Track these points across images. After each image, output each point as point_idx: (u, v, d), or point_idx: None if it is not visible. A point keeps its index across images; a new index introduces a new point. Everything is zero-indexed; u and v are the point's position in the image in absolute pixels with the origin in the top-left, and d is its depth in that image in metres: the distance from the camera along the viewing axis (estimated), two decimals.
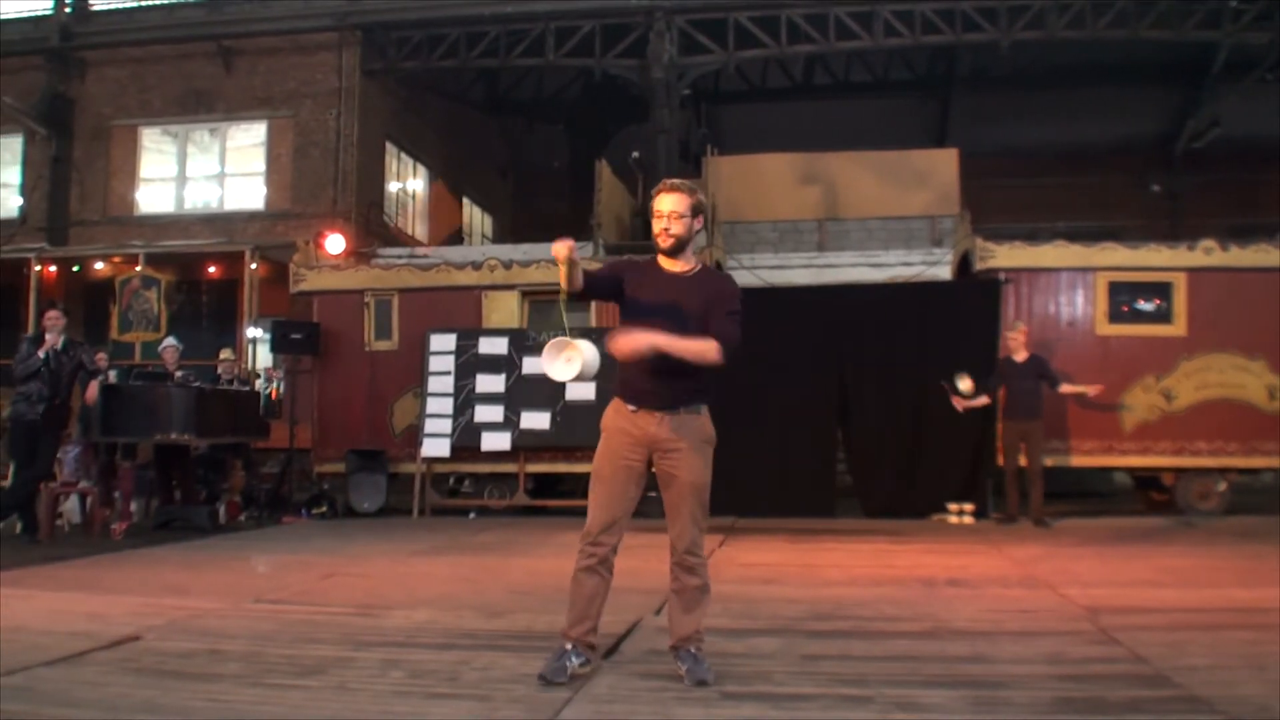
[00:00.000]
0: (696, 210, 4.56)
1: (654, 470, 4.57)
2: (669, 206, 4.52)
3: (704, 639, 4.57)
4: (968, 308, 12.64)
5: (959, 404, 11.64)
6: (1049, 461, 11.87)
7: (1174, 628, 5.44)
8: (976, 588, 7.07)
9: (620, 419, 4.57)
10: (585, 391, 12.18)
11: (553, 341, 4.62)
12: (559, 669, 4.40)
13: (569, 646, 4.47)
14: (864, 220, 19.23)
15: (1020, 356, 11.63)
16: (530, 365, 12.74)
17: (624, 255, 14.22)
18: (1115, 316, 12.52)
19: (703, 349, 4.36)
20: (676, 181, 4.61)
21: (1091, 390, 11.69)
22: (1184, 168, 25.82)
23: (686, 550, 4.50)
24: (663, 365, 4.37)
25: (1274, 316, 12.18)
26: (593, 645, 4.56)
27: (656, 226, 4.57)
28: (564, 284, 4.42)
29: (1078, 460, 12.43)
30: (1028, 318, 12.45)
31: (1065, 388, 11.61)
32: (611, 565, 4.54)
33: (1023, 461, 11.54)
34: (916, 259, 17.03)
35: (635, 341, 4.32)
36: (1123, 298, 12.59)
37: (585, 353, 4.47)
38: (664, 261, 4.61)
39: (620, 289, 4.61)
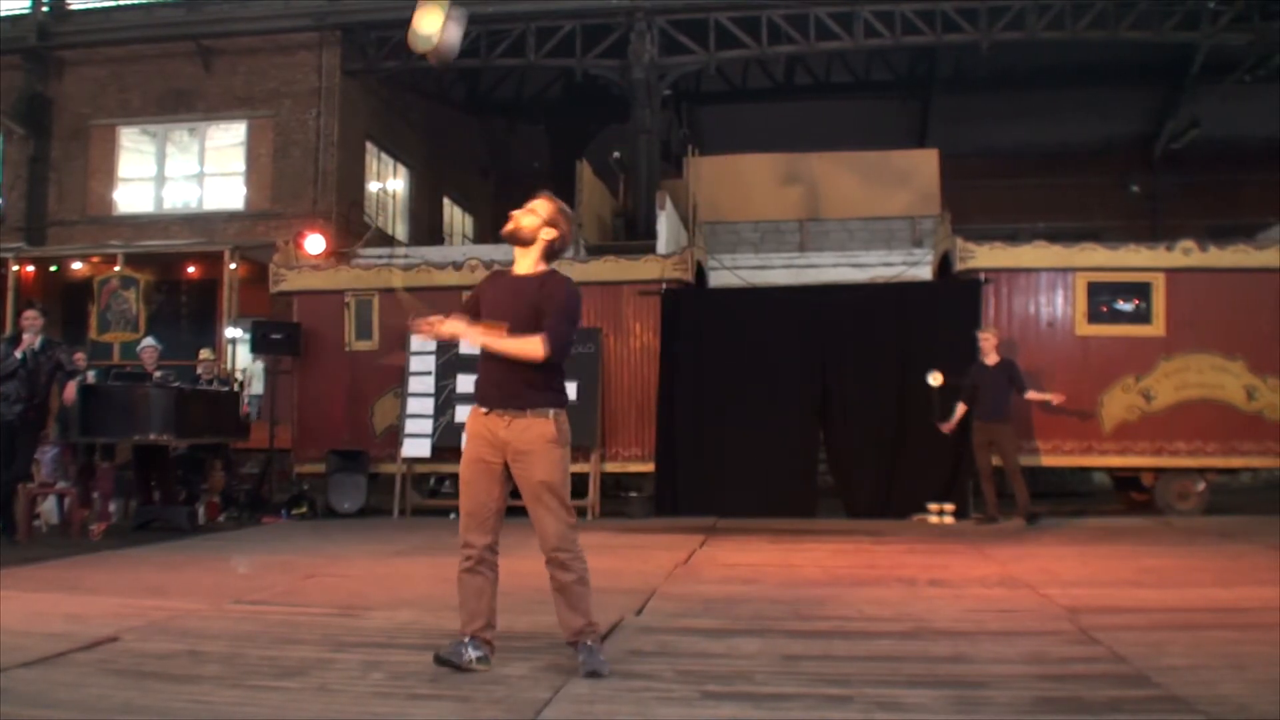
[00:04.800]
0: (553, 222, 4.75)
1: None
2: (532, 203, 4.79)
3: (597, 630, 4.70)
4: (948, 308, 12.69)
5: (946, 428, 11.70)
6: (1026, 461, 11.92)
7: (1154, 627, 5.46)
8: (957, 588, 7.09)
9: (476, 423, 4.74)
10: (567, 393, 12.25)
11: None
12: (456, 651, 4.58)
13: (467, 639, 4.60)
14: (845, 220, 19.30)
15: (991, 360, 11.64)
16: None
17: (603, 255, 14.26)
18: (1095, 317, 12.57)
19: (525, 345, 4.55)
20: (549, 196, 4.85)
21: (1055, 398, 11.71)
22: (1163, 169, 25.96)
23: (555, 548, 4.61)
24: (504, 368, 4.60)
25: (1252, 317, 12.27)
26: (489, 642, 4.66)
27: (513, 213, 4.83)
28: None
29: (1057, 460, 12.48)
30: (1007, 318, 12.51)
31: (1031, 394, 11.60)
32: (492, 564, 4.68)
33: (996, 462, 11.57)
34: (897, 259, 17.06)
35: (464, 330, 4.62)
36: (1102, 298, 12.64)
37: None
38: (515, 266, 4.83)
39: (479, 305, 4.85)
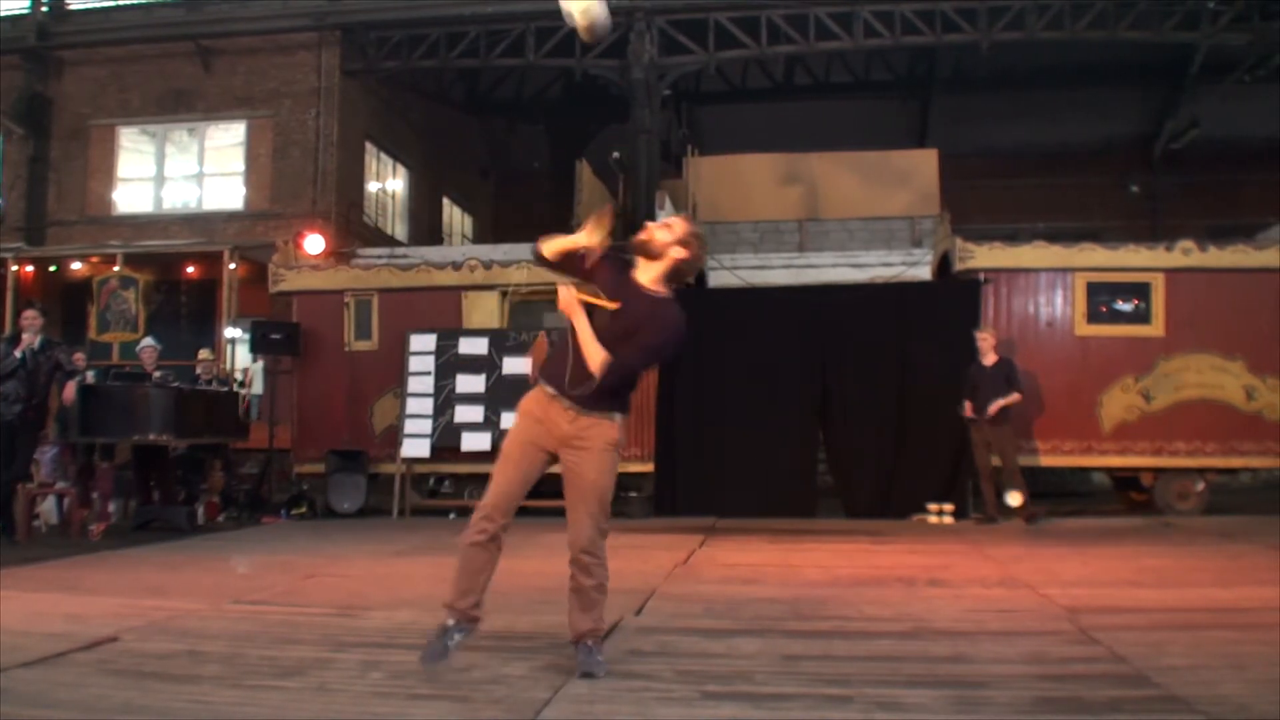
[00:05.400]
0: (685, 243, 4.64)
1: (559, 467, 4.68)
2: (670, 218, 4.72)
3: (602, 634, 4.73)
4: (947, 308, 12.68)
5: (968, 412, 11.65)
6: (1025, 461, 11.92)
7: (1153, 627, 5.45)
8: (957, 588, 7.08)
9: (536, 406, 4.68)
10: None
11: None
12: (439, 651, 4.55)
13: (451, 623, 4.57)
14: (844, 221, 19.27)
15: (989, 360, 11.64)
16: (510, 365, 12.76)
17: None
18: (1094, 317, 12.57)
19: (593, 352, 4.51)
20: (689, 218, 4.81)
21: (1009, 400, 11.63)
22: (1163, 169, 25.95)
23: (583, 549, 4.60)
24: (583, 367, 4.51)
25: (1252, 317, 12.27)
26: (476, 619, 4.65)
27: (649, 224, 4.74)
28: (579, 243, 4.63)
29: (1056, 460, 12.48)
30: (1007, 318, 12.51)
31: (993, 407, 11.48)
32: (501, 543, 4.62)
33: (996, 462, 11.58)
34: (897, 259, 17.05)
35: (569, 301, 4.54)
36: (1101, 298, 12.64)
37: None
38: (638, 270, 4.70)
39: (595, 270, 4.70)
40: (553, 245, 4.63)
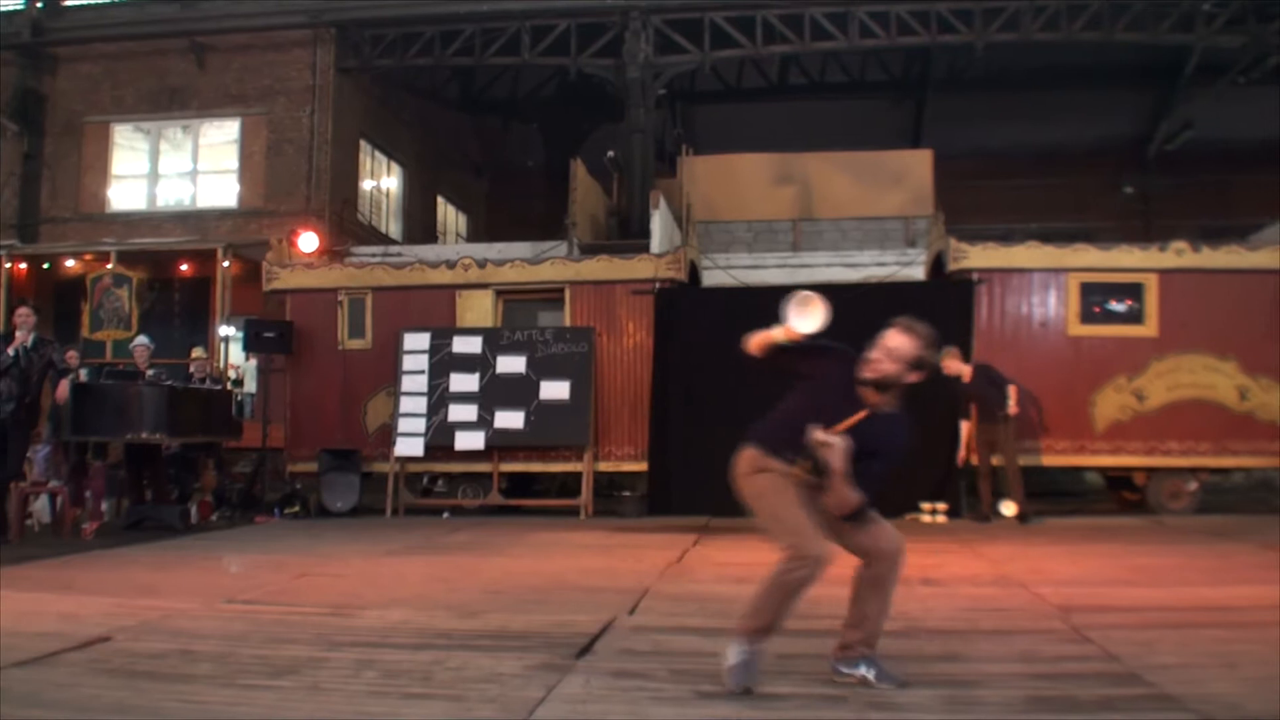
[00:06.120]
0: (918, 364, 4.40)
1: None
2: (891, 344, 4.39)
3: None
4: (941, 308, 12.64)
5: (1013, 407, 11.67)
6: (1026, 461, 11.94)
7: (1145, 626, 5.47)
8: (950, 587, 7.10)
9: (774, 464, 4.54)
10: (559, 392, 12.42)
11: (796, 297, 4.53)
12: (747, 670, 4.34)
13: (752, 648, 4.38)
14: (838, 220, 19.33)
15: (965, 375, 11.62)
16: (504, 364, 12.77)
17: (597, 254, 14.18)
18: (1087, 317, 12.58)
19: (843, 497, 4.33)
20: (915, 325, 4.45)
21: (1014, 393, 11.66)
22: (1157, 170, 25.95)
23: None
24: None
25: (1245, 317, 12.30)
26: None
27: (869, 355, 4.42)
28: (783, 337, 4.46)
29: (1050, 460, 12.50)
30: (1000, 318, 12.52)
31: (1013, 400, 11.52)
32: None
33: (997, 461, 11.61)
34: (890, 259, 17.10)
35: (835, 452, 4.25)
36: (1095, 298, 12.65)
37: (823, 306, 4.55)
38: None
39: (814, 365, 4.56)
40: (754, 342, 4.55)
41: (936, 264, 13.72)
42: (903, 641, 5.25)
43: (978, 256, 12.76)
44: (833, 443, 4.23)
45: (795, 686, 4.38)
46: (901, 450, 4.43)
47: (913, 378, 4.41)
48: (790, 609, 4.42)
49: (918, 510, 11.92)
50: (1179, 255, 12.50)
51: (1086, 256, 12.63)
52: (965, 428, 11.81)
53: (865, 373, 4.38)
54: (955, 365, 11.60)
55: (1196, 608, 6.13)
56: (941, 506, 11.89)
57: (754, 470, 4.59)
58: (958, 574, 7.68)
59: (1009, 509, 11.52)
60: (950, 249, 12.84)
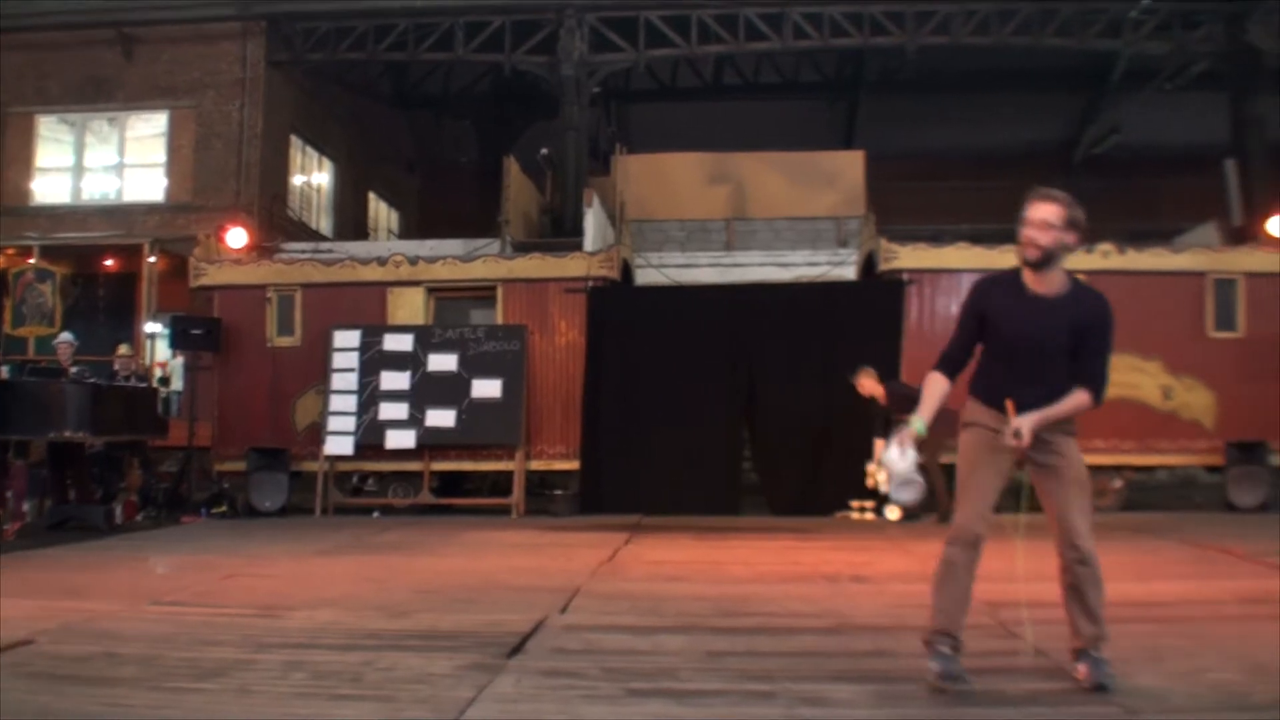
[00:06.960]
0: (1071, 223, 4.25)
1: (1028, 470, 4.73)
2: (1038, 215, 4.25)
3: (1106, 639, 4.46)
4: (872, 308, 12.82)
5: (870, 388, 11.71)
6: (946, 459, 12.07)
7: None
8: (880, 584, 7.16)
9: (993, 420, 4.53)
10: (491, 390, 12.41)
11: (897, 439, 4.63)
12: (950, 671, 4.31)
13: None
14: (771, 220, 19.46)
15: (880, 398, 11.67)
16: (435, 363, 12.69)
17: (529, 252, 14.12)
18: None
19: (1076, 407, 4.43)
20: (1051, 191, 4.32)
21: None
22: (1084, 173, 26.34)
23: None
24: (1042, 396, 4.38)
25: (1169, 318, 12.53)
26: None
27: (1022, 236, 4.32)
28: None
29: None
30: (930, 318, 12.64)
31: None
32: None
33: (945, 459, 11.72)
34: (822, 259, 17.23)
35: (1021, 436, 4.43)
36: None
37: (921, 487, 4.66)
38: (1029, 278, 4.37)
39: (982, 326, 4.53)
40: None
41: (868, 264, 13.85)
42: (833, 638, 5.30)
43: (908, 257, 12.87)
44: (1023, 437, 4.42)
45: (726, 683, 4.38)
46: (1108, 322, 4.38)
47: (1071, 239, 4.29)
48: (958, 594, 4.53)
49: (848, 508, 12.01)
50: (1105, 257, 12.71)
51: (1015, 257, 12.77)
52: (879, 445, 11.84)
53: (1027, 255, 4.31)
54: (870, 386, 11.68)
55: (1123, 603, 6.21)
56: (870, 504, 11.98)
57: (964, 423, 4.65)
58: (887, 571, 7.75)
59: (893, 513, 11.62)
60: (881, 249, 12.96)
